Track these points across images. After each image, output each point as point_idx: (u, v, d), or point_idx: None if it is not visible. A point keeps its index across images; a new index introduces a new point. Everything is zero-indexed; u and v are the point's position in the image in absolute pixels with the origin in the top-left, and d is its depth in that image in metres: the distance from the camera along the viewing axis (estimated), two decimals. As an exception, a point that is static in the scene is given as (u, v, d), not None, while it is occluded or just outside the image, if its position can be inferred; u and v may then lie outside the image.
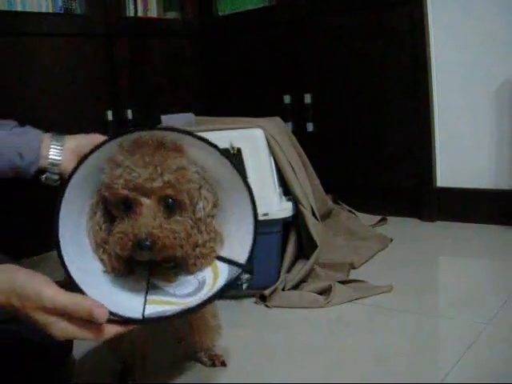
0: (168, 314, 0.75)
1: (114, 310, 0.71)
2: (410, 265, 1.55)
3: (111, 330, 0.72)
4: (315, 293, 1.35)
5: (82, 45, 2.07)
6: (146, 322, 0.75)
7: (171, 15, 2.52)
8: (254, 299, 1.37)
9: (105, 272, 0.82)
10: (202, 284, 0.83)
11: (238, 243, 0.83)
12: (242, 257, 0.82)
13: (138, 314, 0.75)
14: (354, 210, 2.03)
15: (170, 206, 0.78)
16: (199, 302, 0.77)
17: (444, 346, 1.13)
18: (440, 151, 1.96)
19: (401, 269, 1.52)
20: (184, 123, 1.45)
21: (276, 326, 1.24)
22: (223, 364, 1.05)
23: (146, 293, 0.81)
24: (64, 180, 0.79)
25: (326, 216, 1.86)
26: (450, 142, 1.94)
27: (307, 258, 1.46)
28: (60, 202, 0.75)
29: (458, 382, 0.94)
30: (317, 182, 1.76)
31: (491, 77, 1.82)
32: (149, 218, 0.75)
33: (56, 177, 0.93)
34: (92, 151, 0.77)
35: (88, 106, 2.06)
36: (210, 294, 0.78)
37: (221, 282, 0.81)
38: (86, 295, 0.73)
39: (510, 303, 1.23)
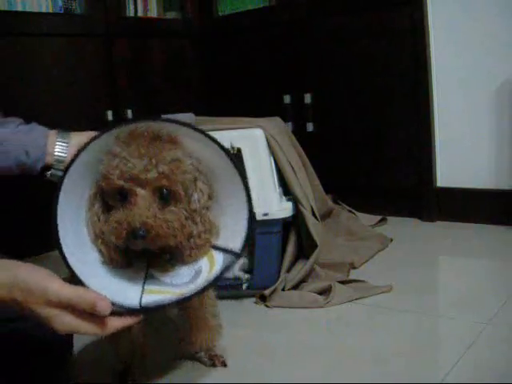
0: (165, 302, 0.77)
1: (112, 299, 0.72)
2: (409, 265, 1.55)
3: (114, 324, 0.73)
4: (315, 293, 1.35)
5: (81, 45, 2.07)
6: (143, 310, 0.76)
7: (171, 15, 2.52)
8: (253, 299, 1.37)
9: (103, 263, 0.83)
10: (198, 273, 0.84)
11: (233, 234, 0.85)
12: (237, 246, 0.83)
13: (135, 303, 0.76)
14: (353, 210, 2.03)
15: (165, 196, 0.80)
16: (195, 290, 0.78)
17: (444, 346, 1.13)
18: (440, 151, 1.96)
19: (401, 269, 1.52)
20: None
21: (276, 326, 1.24)
22: (223, 364, 1.05)
23: (144, 283, 0.82)
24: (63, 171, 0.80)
25: (326, 216, 1.86)
26: (450, 142, 1.94)
27: (307, 257, 1.46)
28: (58, 193, 0.77)
29: (457, 382, 0.94)
30: (317, 181, 1.76)
31: (491, 77, 1.82)
32: (143, 207, 0.77)
33: (61, 173, 0.94)
34: (90, 142, 0.79)
35: (88, 106, 2.06)
36: (206, 282, 0.80)
37: (216, 270, 0.83)
38: (86, 285, 0.74)
39: (510, 303, 1.23)
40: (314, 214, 1.49)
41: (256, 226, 0.85)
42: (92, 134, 0.88)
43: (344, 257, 1.58)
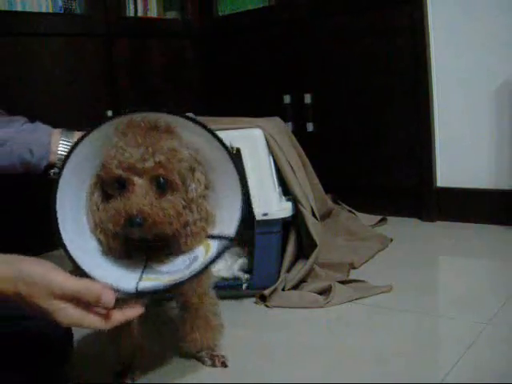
0: (161, 286, 0.79)
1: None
2: (409, 265, 1.55)
3: (117, 318, 0.74)
4: (315, 293, 1.35)
5: (81, 45, 2.07)
6: (139, 294, 0.77)
7: (171, 15, 2.52)
8: (253, 299, 1.37)
9: (102, 253, 0.85)
10: (193, 260, 0.86)
11: (229, 224, 0.87)
12: (231, 232, 0.86)
13: (131, 288, 0.77)
14: (353, 210, 2.03)
15: (162, 185, 0.82)
16: (190, 273, 0.80)
17: (444, 346, 1.13)
18: (440, 151, 1.96)
19: (401, 269, 1.52)
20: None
21: (276, 326, 1.24)
22: (223, 365, 1.05)
23: (142, 272, 0.84)
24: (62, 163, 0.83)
25: (325, 216, 1.86)
26: (450, 142, 1.94)
27: (307, 257, 1.46)
28: (57, 184, 0.80)
29: (457, 382, 0.94)
30: (316, 181, 1.76)
31: (491, 77, 1.82)
32: (140, 196, 0.79)
33: None
34: (88, 132, 0.82)
35: (88, 106, 2.06)
36: (201, 265, 0.82)
37: (211, 254, 0.84)
38: (84, 271, 0.75)
39: (510, 303, 1.23)
40: (313, 214, 1.49)
41: (247, 210, 0.86)
42: None
43: (344, 257, 1.58)
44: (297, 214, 1.44)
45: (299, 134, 1.91)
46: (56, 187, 0.80)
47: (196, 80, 2.50)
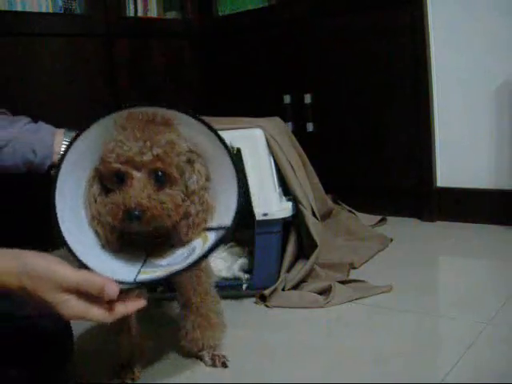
0: (158, 277, 0.80)
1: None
2: (410, 265, 1.55)
3: (120, 310, 0.74)
4: (315, 293, 1.35)
5: (82, 45, 2.07)
6: (137, 283, 0.78)
7: (171, 15, 2.52)
8: (254, 299, 1.37)
9: (101, 247, 0.86)
10: (192, 251, 0.86)
11: (225, 214, 0.87)
12: (228, 222, 0.86)
13: (130, 279, 0.78)
14: (353, 210, 2.03)
15: (160, 178, 0.83)
16: (187, 264, 0.81)
17: (444, 346, 1.13)
18: (440, 151, 1.96)
19: (401, 269, 1.52)
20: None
21: (276, 326, 1.24)
22: (223, 365, 1.05)
23: (141, 267, 0.85)
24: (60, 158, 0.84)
25: (325, 216, 1.86)
26: (450, 142, 1.94)
27: (307, 257, 1.46)
28: (56, 177, 0.81)
29: (458, 382, 0.94)
30: (316, 181, 1.76)
31: (491, 77, 1.82)
32: (138, 189, 0.79)
33: None
34: (87, 126, 0.83)
35: (88, 106, 2.05)
36: (199, 255, 0.82)
37: (209, 244, 0.85)
38: (84, 264, 0.76)
39: (510, 303, 1.23)
40: (313, 214, 1.49)
41: (244, 202, 0.87)
42: None
43: (344, 257, 1.58)
44: (297, 214, 1.44)
45: (299, 134, 1.91)
46: (55, 181, 0.81)
47: (196, 80, 2.50)
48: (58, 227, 0.79)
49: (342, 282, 1.38)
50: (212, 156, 0.89)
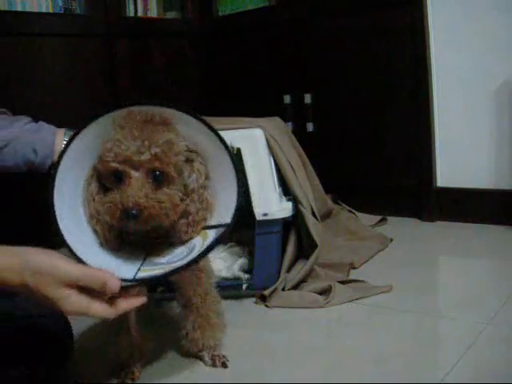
0: (158, 274, 0.80)
1: None
2: (410, 265, 1.55)
3: (122, 306, 0.75)
4: (315, 293, 1.35)
5: (81, 45, 2.07)
6: (136, 281, 0.78)
7: (171, 15, 2.52)
8: (254, 299, 1.37)
9: (99, 245, 0.86)
10: (191, 249, 0.87)
11: (225, 212, 0.87)
12: (228, 220, 0.86)
13: (129, 277, 0.78)
14: (353, 210, 2.03)
15: (158, 178, 0.83)
16: (186, 261, 0.81)
17: (444, 346, 1.13)
18: (440, 151, 1.96)
19: (401, 269, 1.52)
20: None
21: (276, 326, 1.24)
22: (223, 365, 1.05)
23: (141, 265, 0.85)
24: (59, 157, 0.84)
25: (325, 216, 1.86)
26: (450, 142, 1.94)
27: (307, 258, 1.46)
28: (55, 175, 0.81)
29: (458, 382, 0.94)
30: (317, 181, 1.75)
31: (491, 77, 1.82)
32: (136, 189, 0.80)
33: None
34: (85, 125, 0.83)
35: (88, 106, 2.05)
36: (198, 252, 0.83)
37: (208, 242, 0.85)
38: (81, 260, 0.77)
39: (510, 303, 1.23)
40: (313, 214, 1.49)
41: (243, 200, 0.88)
42: None
43: (344, 257, 1.58)
44: (297, 214, 1.44)
45: (299, 134, 1.91)
46: (53, 180, 0.81)
47: (196, 80, 2.50)
48: (57, 225, 0.79)
49: (342, 282, 1.38)
50: (212, 155, 0.90)
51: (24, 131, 1.01)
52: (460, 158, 1.93)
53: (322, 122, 2.18)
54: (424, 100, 1.93)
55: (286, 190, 1.45)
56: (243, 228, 1.40)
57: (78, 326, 1.08)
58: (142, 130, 0.81)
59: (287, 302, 1.33)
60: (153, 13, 2.40)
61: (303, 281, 1.42)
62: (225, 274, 1.42)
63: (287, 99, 2.22)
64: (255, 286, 1.39)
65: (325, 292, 1.35)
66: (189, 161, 0.88)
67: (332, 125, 2.17)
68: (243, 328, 1.22)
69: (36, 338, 0.87)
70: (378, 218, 2.00)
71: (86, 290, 0.72)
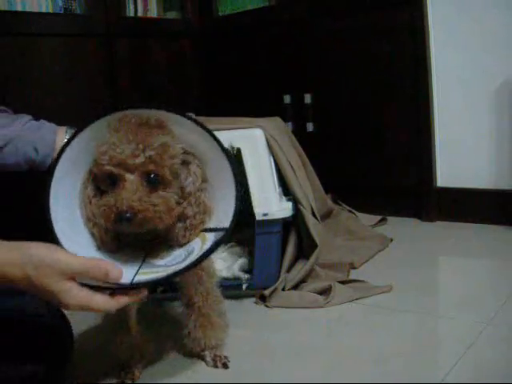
0: (154, 278, 0.80)
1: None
2: (409, 265, 1.55)
3: (123, 299, 0.75)
4: (315, 293, 1.35)
5: (81, 45, 2.07)
6: (134, 285, 0.78)
7: (171, 15, 2.52)
8: (253, 299, 1.37)
9: (96, 247, 0.86)
10: (190, 252, 0.87)
11: (223, 216, 0.87)
12: (227, 224, 0.86)
13: (126, 282, 0.78)
14: (353, 210, 2.03)
15: (153, 181, 0.83)
16: (185, 265, 0.81)
17: (444, 346, 1.13)
18: (440, 151, 1.96)
19: (401, 269, 1.52)
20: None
21: (276, 326, 1.24)
22: (224, 366, 1.05)
23: (140, 267, 0.85)
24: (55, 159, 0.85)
25: (325, 216, 1.86)
26: (450, 142, 1.94)
27: (307, 258, 1.46)
28: (51, 178, 0.82)
29: (458, 382, 0.94)
30: (317, 181, 1.76)
31: (491, 77, 1.82)
32: (130, 192, 0.80)
33: None
34: (81, 129, 0.84)
35: (88, 106, 2.05)
36: (196, 257, 0.83)
37: (207, 247, 0.85)
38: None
39: (510, 303, 1.23)
40: (313, 214, 1.49)
41: (242, 203, 0.88)
42: None
43: (344, 257, 1.58)
44: (297, 214, 1.44)
45: (299, 134, 1.91)
46: (49, 182, 0.81)
47: (196, 80, 2.50)
48: (52, 227, 0.79)
49: (342, 282, 1.38)
50: (211, 159, 0.89)
51: (25, 129, 1.02)
52: (460, 158, 1.93)
53: (321, 122, 2.18)
54: (424, 100, 1.94)
55: (286, 190, 1.45)
56: (243, 228, 1.40)
57: (78, 326, 1.08)
58: (136, 133, 0.81)
59: (287, 302, 1.33)
60: (153, 13, 2.40)
61: (303, 281, 1.42)
62: (225, 273, 1.42)
63: (287, 99, 2.22)
64: (255, 286, 1.39)
65: (325, 292, 1.35)
66: (185, 163, 0.88)
67: (332, 125, 2.17)
68: (243, 328, 1.22)
69: (36, 338, 0.87)
70: (378, 218, 2.00)
71: (90, 277, 0.72)
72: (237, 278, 1.41)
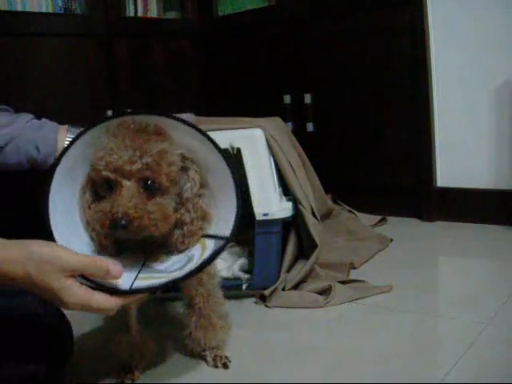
0: (154, 285, 0.80)
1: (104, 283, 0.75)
2: (410, 265, 1.55)
3: (122, 299, 0.75)
4: (315, 293, 1.35)
5: (81, 45, 2.07)
6: (132, 291, 0.78)
7: (171, 15, 2.52)
8: (254, 299, 1.37)
9: (94, 250, 0.86)
10: (190, 259, 0.87)
11: (224, 222, 0.87)
12: (227, 233, 0.86)
13: (125, 288, 0.78)
14: (353, 210, 2.03)
15: (150, 187, 0.82)
16: (185, 273, 0.81)
17: (444, 346, 1.13)
18: (440, 151, 1.96)
19: (401, 269, 1.52)
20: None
21: (276, 326, 1.24)
22: (225, 366, 1.04)
23: (139, 272, 0.85)
24: (53, 164, 0.85)
25: (326, 216, 1.86)
26: (450, 142, 1.94)
27: (307, 258, 1.46)
28: (50, 182, 0.81)
29: (457, 382, 0.94)
30: (317, 182, 1.76)
31: (491, 77, 1.82)
32: (126, 198, 0.79)
33: None
34: (81, 134, 0.83)
35: (88, 106, 2.06)
36: (195, 265, 0.83)
37: (207, 255, 0.85)
38: None
39: (510, 303, 1.23)
40: (313, 214, 1.49)
41: (243, 209, 0.88)
42: None
43: (344, 257, 1.58)
44: (297, 215, 1.44)
45: (299, 134, 1.91)
46: (48, 187, 0.81)
47: (196, 80, 2.50)
48: (51, 231, 0.79)
49: (342, 282, 1.38)
50: (209, 162, 0.89)
51: (26, 128, 1.02)
52: (460, 158, 1.93)
53: (321, 122, 2.18)
54: (424, 100, 1.94)
55: (286, 190, 1.45)
56: (243, 228, 1.40)
57: (78, 326, 1.08)
58: (134, 140, 0.81)
59: (287, 302, 1.33)
60: (153, 13, 2.41)
61: (303, 281, 1.42)
62: (225, 274, 1.42)
63: (287, 99, 2.22)
64: (255, 286, 1.39)
65: (325, 292, 1.35)
66: (184, 169, 0.88)
67: (332, 125, 2.17)
68: (243, 328, 1.22)
69: (36, 338, 0.87)
70: (378, 218, 2.00)
71: (90, 275, 0.73)
72: (237, 278, 1.41)
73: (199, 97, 2.49)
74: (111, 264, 0.73)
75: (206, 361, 1.06)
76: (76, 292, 0.71)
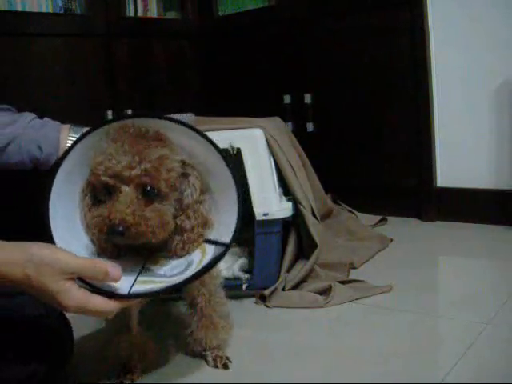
0: (152, 290, 0.80)
1: (101, 287, 0.75)
2: (409, 265, 1.55)
3: (116, 305, 0.75)
4: (315, 293, 1.35)
5: (81, 45, 2.07)
6: (131, 296, 0.78)
7: (171, 15, 2.52)
8: (253, 299, 1.37)
9: (94, 252, 0.86)
10: (189, 264, 0.87)
11: (225, 228, 0.87)
12: (227, 238, 0.86)
13: (124, 292, 0.78)
14: (353, 210, 2.03)
15: (149, 193, 0.82)
16: (183, 279, 0.81)
17: (444, 346, 1.13)
18: (440, 151, 1.96)
19: (401, 269, 1.52)
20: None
21: (276, 326, 1.24)
22: (225, 366, 1.04)
23: (138, 275, 0.85)
24: (54, 166, 0.84)
25: (325, 216, 1.86)
26: (450, 142, 1.94)
27: (307, 258, 1.46)
28: (51, 185, 0.81)
29: (457, 382, 0.94)
30: (317, 182, 1.76)
31: (491, 77, 1.82)
32: (124, 204, 0.78)
33: None
34: (81, 137, 0.83)
35: (88, 106, 2.06)
36: (194, 271, 0.83)
37: (206, 261, 0.85)
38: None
39: (510, 303, 1.23)
40: (313, 214, 1.49)
41: (244, 215, 0.88)
42: None
43: (344, 257, 1.58)
44: (297, 215, 1.44)
45: (299, 134, 1.91)
46: (49, 190, 0.81)
47: (196, 80, 2.50)
48: (51, 234, 0.79)
49: (342, 282, 1.38)
50: (210, 165, 0.89)
51: (28, 128, 1.02)
52: (460, 158, 1.93)
53: (321, 122, 2.18)
54: (424, 100, 1.94)
55: (286, 190, 1.45)
56: (243, 228, 1.40)
57: (79, 327, 1.08)
58: (133, 145, 0.80)
59: (287, 302, 1.33)
60: (153, 13, 2.41)
61: (303, 281, 1.42)
62: (225, 273, 1.42)
63: (287, 99, 2.22)
64: (255, 286, 1.39)
65: (325, 292, 1.35)
66: (185, 175, 0.87)
67: (332, 125, 2.17)
68: (243, 328, 1.22)
69: (36, 339, 0.87)
70: (378, 218, 2.00)
71: (89, 277, 0.73)
72: (237, 278, 1.41)
73: (199, 97, 2.49)
74: (110, 266, 0.73)
75: (206, 361, 1.07)
76: (74, 295, 0.71)
